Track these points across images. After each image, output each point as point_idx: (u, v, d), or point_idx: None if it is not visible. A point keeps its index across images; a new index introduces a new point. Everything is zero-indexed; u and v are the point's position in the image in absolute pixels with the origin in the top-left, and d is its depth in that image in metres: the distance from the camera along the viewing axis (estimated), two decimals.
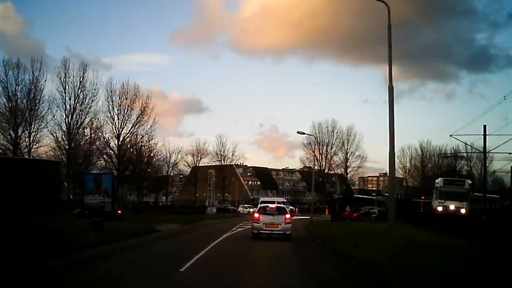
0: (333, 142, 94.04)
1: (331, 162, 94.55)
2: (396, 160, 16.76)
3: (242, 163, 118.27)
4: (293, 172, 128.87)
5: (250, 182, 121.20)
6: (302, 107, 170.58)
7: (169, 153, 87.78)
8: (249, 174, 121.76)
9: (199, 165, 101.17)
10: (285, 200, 64.20)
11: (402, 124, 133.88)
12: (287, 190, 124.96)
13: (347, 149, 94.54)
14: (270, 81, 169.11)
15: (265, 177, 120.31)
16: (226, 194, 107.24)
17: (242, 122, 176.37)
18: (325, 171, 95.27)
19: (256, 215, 22.91)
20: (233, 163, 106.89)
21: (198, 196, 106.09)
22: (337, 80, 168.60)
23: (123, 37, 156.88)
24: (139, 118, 63.31)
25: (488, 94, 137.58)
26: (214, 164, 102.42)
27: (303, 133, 53.32)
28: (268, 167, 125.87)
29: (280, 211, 22.97)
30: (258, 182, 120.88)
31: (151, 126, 64.19)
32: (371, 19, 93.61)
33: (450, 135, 47.38)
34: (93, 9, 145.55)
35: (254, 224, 22.78)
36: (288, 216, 22.75)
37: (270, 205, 24.04)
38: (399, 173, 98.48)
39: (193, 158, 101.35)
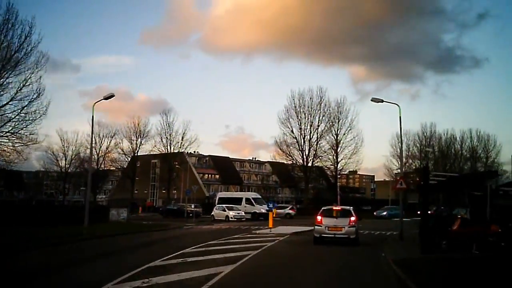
0: (320, 118, 68.26)
1: (318, 147, 68.53)
2: None
3: (197, 151, 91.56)
4: (262, 164, 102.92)
5: (206, 176, 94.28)
6: (270, 107, 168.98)
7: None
8: (205, 165, 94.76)
9: (139, 153, 76.72)
10: (259, 196, 42.25)
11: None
12: (255, 186, 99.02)
13: (338, 129, 69.04)
14: (239, 81, 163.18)
15: (226, 169, 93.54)
16: (174, 191, 79.31)
17: (209, 123, 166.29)
18: (309, 160, 68.88)
19: (319, 217, 21.17)
20: (185, 151, 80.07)
21: (138, 194, 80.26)
22: (307, 80, 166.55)
23: (92, 37, 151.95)
24: None
25: (452, 94, 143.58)
26: (159, 153, 75.80)
27: None
28: (231, 156, 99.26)
29: (345, 213, 21.21)
30: (217, 176, 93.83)
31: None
32: (341, 20, 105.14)
33: None
34: (61, 9, 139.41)
35: (316, 227, 21.18)
36: (353, 218, 20.71)
37: (335, 207, 22.57)
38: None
39: (131, 143, 74.71)
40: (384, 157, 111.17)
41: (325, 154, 68.37)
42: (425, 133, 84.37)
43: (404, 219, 24.14)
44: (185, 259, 14.63)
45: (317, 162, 68.94)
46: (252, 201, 45.76)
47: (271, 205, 30.22)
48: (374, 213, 57.57)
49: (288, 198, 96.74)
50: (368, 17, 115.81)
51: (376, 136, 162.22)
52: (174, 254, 15.64)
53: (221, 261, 14.04)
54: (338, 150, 69.00)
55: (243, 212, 42.99)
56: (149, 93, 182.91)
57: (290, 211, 53.02)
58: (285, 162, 71.63)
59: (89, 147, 42.26)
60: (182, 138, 76.63)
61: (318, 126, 67.72)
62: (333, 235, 20.46)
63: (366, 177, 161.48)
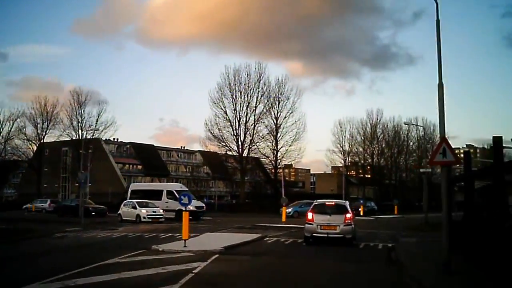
0: (258, 98, 58.63)
1: (255, 132, 58.89)
2: None
3: (116, 139, 79.31)
4: (192, 154, 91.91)
5: (127, 166, 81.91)
6: (206, 101, 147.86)
7: None
8: (125, 153, 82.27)
9: (47, 139, 66.22)
10: (185, 189, 37.15)
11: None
12: (183, 178, 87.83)
13: (278, 112, 59.83)
14: (175, 74, 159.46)
15: (151, 159, 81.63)
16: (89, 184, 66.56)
17: (142, 116, 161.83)
18: (245, 146, 59.04)
19: (310, 214, 18.34)
20: (101, 137, 68.21)
21: (48, 188, 68.01)
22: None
23: (20, 24, 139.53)
24: None
25: (386, 91, 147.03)
26: (70, 139, 63.78)
27: None
28: (156, 144, 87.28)
29: (339, 209, 18.53)
30: (139, 166, 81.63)
31: None
32: (278, 14, 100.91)
33: None
34: None
35: (306, 225, 18.46)
36: (349, 215, 18.05)
37: (328, 202, 19.36)
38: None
39: (36, 128, 62.53)
40: (319, 152, 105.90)
41: (263, 140, 58.81)
42: (371, 120, 77.92)
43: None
44: None
45: (254, 149, 59.22)
46: (176, 194, 34.95)
47: (187, 199, 17.28)
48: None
49: (222, 192, 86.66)
50: (305, 12, 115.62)
51: (311, 131, 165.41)
52: None
53: None
54: (278, 136, 59.86)
55: (161, 210, 31.60)
56: (81, 85, 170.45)
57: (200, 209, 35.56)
58: (218, 152, 61.21)
59: None
60: (97, 121, 64.94)
61: (256, 107, 58.38)
62: (326, 235, 18.03)
63: (302, 171, 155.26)
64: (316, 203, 19.25)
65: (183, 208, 17.07)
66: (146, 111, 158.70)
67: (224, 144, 58.07)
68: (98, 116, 66.10)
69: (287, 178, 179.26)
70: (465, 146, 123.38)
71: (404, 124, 57.99)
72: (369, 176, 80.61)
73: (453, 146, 11.01)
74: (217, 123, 57.73)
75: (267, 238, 19.89)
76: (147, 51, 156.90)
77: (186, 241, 15.61)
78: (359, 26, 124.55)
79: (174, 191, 34.74)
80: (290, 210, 43.06)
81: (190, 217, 35.21)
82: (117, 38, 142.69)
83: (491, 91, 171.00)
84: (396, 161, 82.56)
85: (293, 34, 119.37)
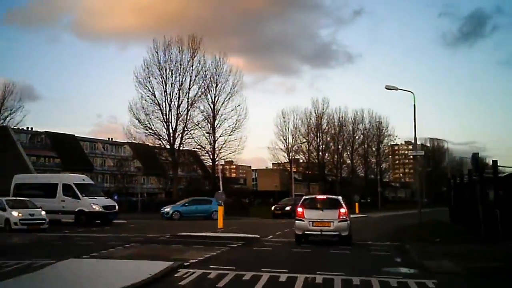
0: (193, 79, 50.81)
1: (188, 118, 51.00)
2: None
3: (30, 128, 68.71)
4: (120, 146, 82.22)
5: (42, 159, 71.11)
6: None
7: None
8: (40, 144, 71.41)
9: None
10: (90, 182, 29.85)
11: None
12: (109, 173, 78.07)
13: (215, 96, 52.45)
14: (114, 68, 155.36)
15: (71, 151, 71.35)
16: None
17: (79, 112, 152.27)
18: (177, 135, 50.91)
19: (300, 209, 16.64)
20: (9, 125, 58.60)
21: None
22: None
23: None
24: None
25: (326, 89, 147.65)
26: None
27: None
28: (77, 134, 76.75)
29: (332, 203, 16.90)
30: (57, 159, 71.02)
31: None
32: (220, 9, 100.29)
33: None
34: None
35: (297, 222, 16.53)
36: (343, 210, 16.32)
37: (319, 196, 18.74)
38: None
39: None
40: (261, 149, 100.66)
41: (198, 127, 50.96)
42: (316, 110, 72.35)
43: None
44: None
45: (188, 139, 51.22)
46: (76, 190, 26.08)
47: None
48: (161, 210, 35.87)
49: (155, 189, 77.85)
50: (247, 7, 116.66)
51: (253, 128, 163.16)
52: None
53: None
54: (216, 124, 52.37)
55: (43, 212, 21.65)
56: (13, 79, 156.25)
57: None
58: (147, 142, 52.71)
59: None
60: (2, 104, 55.04)
61: (190, 89, 50.33)
62: (319, 232, 16.14)
63: (244, 168, 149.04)
64: (306, 197, 18.25)
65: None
66: (84, 107, 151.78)
67: (152, 131, 49.71)
68: (4, 100, 56.46)
69: (228, 175, 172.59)
70: (403, 142, 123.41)
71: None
72: (315, 172, 74.82)
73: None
74: (143, 107, 49.28)
75: (183, 273, 10.11)
76: (85, 44, 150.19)
77: None
78: (301, 23, 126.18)
79: (73, 186, 25.99)
80: (168, 209, 34.81)
81: (98, 221, 27.37)
82: (53, 30, 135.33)
83: (429, 90, 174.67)
84: (342, 155, 77.85)
85: (235, 29, 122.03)
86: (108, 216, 26.33)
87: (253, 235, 18.40)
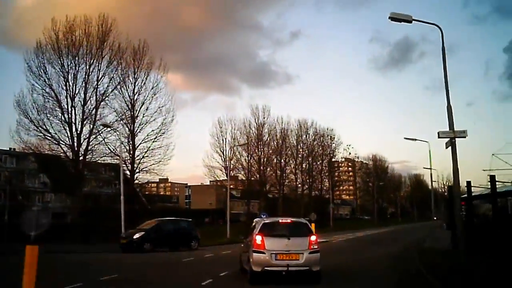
0: (101, 65, 40.07)
1: (97, 115, 40.13)
2: None
3: None
4: (23, 157, 69.05)
5: None
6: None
7: None
8: None
9: None
10: None
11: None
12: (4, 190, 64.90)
13: (134, 87, 42.29)
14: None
15: None
16: None
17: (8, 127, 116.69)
18: (82, 137, 39.71)
19: (258, 238, 12.50)
20: None
21: None
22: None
23: None
24: None
25: (265, 107, 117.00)
26: None
27: None
28: None
29: (299, 229, 13.13)
30: None
31: None
32: (158, 24, 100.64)
33: None
34: None
35: (254, 255, 12.39)
36: (313, 238, 12.72)
37: (282, 220, 13.89)
38: None
39: None
40: (197, 167, 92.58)
41: (112, 130, 39.98)
42: (256, 119, 64.06)
43: None
44: None
45: (97, 144, 40.22)
46: None
47: None
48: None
49: (65, 208, 65.25)
50: (186, 24, 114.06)
51: (190, 146, 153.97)
52: None
53: None
54: (135, 127, 42.10)
55: None
56: None
57: None
58: (45, 151, 40.97)
59: None
60: None
61: (99, 80, 39.54)
62: (285, 267, 12.20)
63: (180, 186, 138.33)
64: (266, 221, 13.50)
65: None
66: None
67: (49, 135, 38.32)
68: None
69: (162, 193, 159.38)
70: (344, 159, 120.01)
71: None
72: (256, 188, 65.93)
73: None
74: (35, 103, 37.80)
75: None
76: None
77: None
78: (240, 43, 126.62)
79: None
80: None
81: None
82: None
83: (363, 110, 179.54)
84: (285, 170, 69.61)
85: (174, 45, 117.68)
86: None
87: None
